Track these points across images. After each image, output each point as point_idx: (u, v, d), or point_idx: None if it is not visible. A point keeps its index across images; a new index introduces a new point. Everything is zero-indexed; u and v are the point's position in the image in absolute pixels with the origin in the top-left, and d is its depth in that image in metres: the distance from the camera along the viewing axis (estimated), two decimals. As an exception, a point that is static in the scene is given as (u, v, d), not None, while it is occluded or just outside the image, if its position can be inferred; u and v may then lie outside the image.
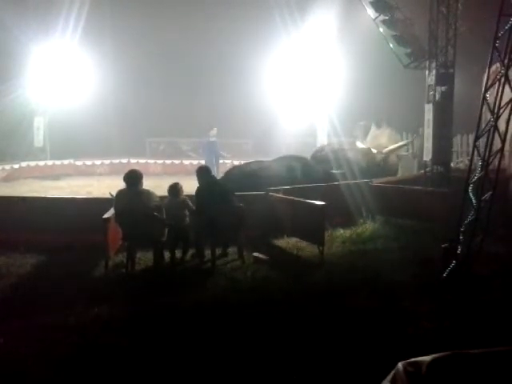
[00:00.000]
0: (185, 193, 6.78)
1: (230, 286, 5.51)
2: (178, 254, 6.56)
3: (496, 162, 5.54)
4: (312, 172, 9.70)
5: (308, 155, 12.43)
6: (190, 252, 6.67)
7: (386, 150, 12.78)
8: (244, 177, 8.91)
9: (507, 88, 5.25)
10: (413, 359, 1.98)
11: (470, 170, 5.57)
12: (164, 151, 19.41)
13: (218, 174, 10.68)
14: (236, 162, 17.97)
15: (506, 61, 5.26)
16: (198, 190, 6.59)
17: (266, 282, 5.60)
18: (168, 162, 18.23)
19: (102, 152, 17.82)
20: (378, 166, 11.57)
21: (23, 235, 6.89)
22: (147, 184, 6.50)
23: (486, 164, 5.35)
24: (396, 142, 13.37)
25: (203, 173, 6.74)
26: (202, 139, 12.67)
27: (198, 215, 6.44)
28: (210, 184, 6.59)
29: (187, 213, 6.57)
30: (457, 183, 8.16)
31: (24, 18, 14.92)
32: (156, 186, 9.53)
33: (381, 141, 13.47)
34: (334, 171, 10.02)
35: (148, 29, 17.71)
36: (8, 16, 14.08)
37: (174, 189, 6.70)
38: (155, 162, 18.12)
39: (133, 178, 6.20)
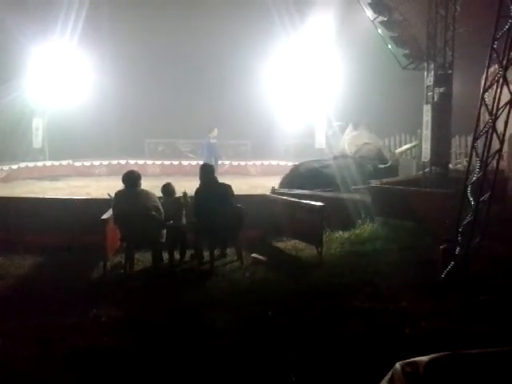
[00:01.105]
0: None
1: (228, 287, 5.51)
2: (177, 255, 6.57)
3: (494, 162, 5.54)
4: (364, 169, 10.68)
5: (307, 156, 12.83)
6: (189, 253, 6.67)
7: (399, 150, 13.09)
8: (311, 173, 10.02)
9: (505, 89, 5.26)
10: (410, 359, 1.98)
11: (468, 170, 5.58)
12: (163, 152, 19.43)
13: (218, 175, 10.79)
14: (235, 163, 18.06)
15: (504, 62, 5.27)
16: (198, 190, 6.59)
17: (265, 283, 5.60)
18: (167, 162, 18.25)
19: (101, 153, 17.83)
20: (395, 163, 12.45)
21: (22, 236, 6.89)
22: (146, 185, 6.50)
23: (484, 165, 5.36)
24: (374, 144, 13.67)
25: (206, 170, 6.72)
26: (202, 140, 12.68)
27: (196, 216, 6.43)
28: (210, 184, 6.58)
29: (184, 212, 6.59)
30: (455, 184, 8.17)
31: (23, 19, 14.92)
32: (154, 186, 9.52)
33: (359, 142, 13.82)
34: (381, 166, 11.09)
35: (147, 29, 17.72)
36: (7, 17, 14.09)
37: (168, 189, 6.70)
38: (154, 163, 18.14)
39: (131, 178, 6.20)
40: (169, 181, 7.11)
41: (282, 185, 9.86)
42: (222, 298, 5.14)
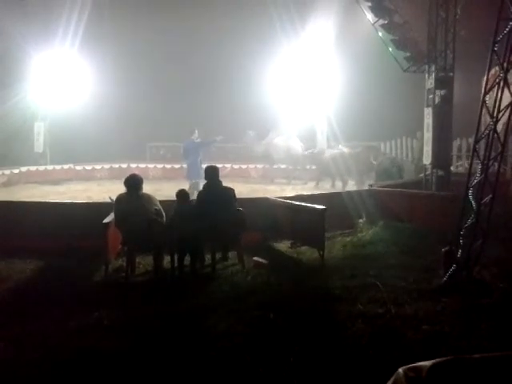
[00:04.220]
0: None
1: (230, 290, 5.50)
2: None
3: (496, 165, 5.54)
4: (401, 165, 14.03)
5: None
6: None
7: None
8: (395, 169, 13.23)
9: (506, 92, 5.26)
10: (413, 364, 1.97)
11: (469, 173, 5.58)
12: (164, 155, 19.45)
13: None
14: (236, 167, 18.05)
15: (505, 64, 5.27)
16: (200, 192, 6.58)
17: (266, 287, 5.59)
18: (168, 166, 18.23)
19: (102, 156, 17.85)
20: None
21: (23, 240, 6.89)
22: (147, 188, 6.50)
23: (485, 167, 5.35)
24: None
25: (212, 172, 6.71)
26: (188, 143, 12.42)
27: (198, 218, 6.41)
28: (214, 187, 6.58)
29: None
30: (457, 187, 8.17)
31: (24, 24, 14.98)
32: (156, 190, 9.57)
33: (288, 145, 16.24)
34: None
35: (148, 34, 17.79)
36: (9, 22, 14.14)
37: (183, 195, 6.58)
38: (155, 167, 18.13)
39: (133, 182, 6.20)
40: (170, 184, 7.10)
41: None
42: (224, 301, 5.13)
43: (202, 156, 12.08)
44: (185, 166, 12.52)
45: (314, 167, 15.56)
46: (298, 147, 16.31)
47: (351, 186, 12.94)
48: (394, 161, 14.36)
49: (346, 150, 14.19)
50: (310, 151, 15.48)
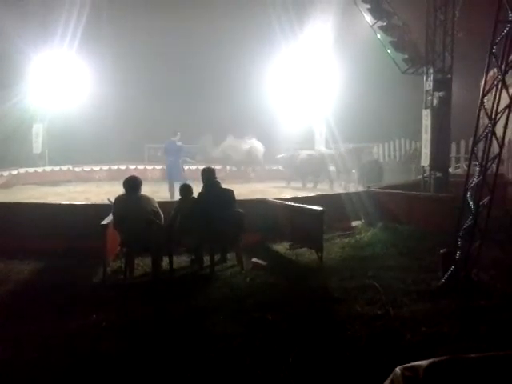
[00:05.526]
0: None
1: (228, 291, 5.50)
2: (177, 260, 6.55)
3: (494, 166, 5.55)
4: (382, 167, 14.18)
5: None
6: (187, 258, 6.66)
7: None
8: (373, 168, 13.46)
9: (504, 93, 5.27)
10: (410, 364, 1.98)
11: (468, 175, 5.59)
12: (162, 157, 19.40)
13: (184, 179, 11.09)
14: (235, 168, 18.05)
15: (502, 66, 5.29)
16: (200, 193, 6.58)
17: (265, 288, 5.59)
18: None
19: (101, 158, 17.84)
20: None
21: (22, 241, 6.89)
22: (146, 190, 6.50)
23: (483, 169, 5.37)
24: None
25: (209, 174, 6.71)
26: (169, 143, 12.44)
27: (198, 220, 6.41)
28: (213, 188, 6.58)
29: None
30: (455, 188, 8.19)
31: (23, 25, 14.99)
32: (154, 191, 9.56)
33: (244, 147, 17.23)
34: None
35: (147, 35, 17.79)
36: (8, 23, 14.14)
37: (189, 188, 6.63)
38: (154, 168, 18.13)
39: (132, 183, 6.20)
40: (167, 186, 7.10)
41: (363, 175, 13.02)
42: (223, 302, 5.14)
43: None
44: (184, 167, 12.61)
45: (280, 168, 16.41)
46: (259, 148, 17.11)
47: (339, 187, 13.39)
48: (376, 162, 14.56)
49: (324, 151, 14.80)
50: (282, 156, 16.15)
